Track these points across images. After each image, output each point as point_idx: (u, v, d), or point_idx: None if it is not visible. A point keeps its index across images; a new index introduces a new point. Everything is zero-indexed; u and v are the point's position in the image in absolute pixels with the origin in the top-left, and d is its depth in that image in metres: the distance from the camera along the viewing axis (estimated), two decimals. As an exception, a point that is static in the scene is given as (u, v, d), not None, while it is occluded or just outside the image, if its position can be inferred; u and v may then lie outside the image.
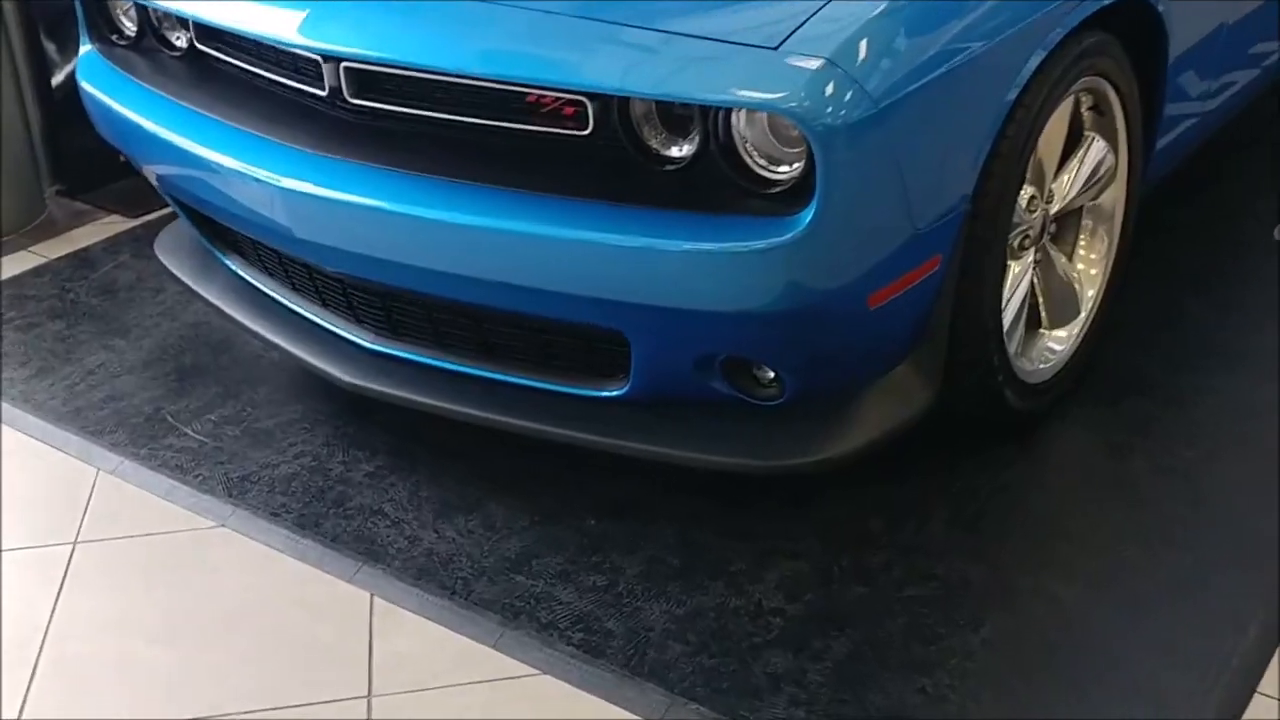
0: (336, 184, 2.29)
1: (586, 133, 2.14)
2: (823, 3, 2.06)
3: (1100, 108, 2.59)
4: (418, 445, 2.69)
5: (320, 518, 2.51)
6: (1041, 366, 2.64)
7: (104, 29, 2.85)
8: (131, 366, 3.02)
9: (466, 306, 2.36)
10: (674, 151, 2.13)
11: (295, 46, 2.33)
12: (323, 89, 2.35)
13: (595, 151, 2.16)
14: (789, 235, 1.99)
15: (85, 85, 2.82)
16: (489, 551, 2.40)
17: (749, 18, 2.10)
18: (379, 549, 2.42)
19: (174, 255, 3.01)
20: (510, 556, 2.39)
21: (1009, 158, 2.28)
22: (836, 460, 2.27)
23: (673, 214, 2.07)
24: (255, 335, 2.72)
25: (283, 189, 2.33)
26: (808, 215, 1.98)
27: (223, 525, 2.52)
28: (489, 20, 2.22)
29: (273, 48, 2.43)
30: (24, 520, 2.56)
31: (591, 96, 2.10)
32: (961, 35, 2.13)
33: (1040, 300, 2.63)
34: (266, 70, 2.50)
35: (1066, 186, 2.57)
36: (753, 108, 2.01)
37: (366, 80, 2.30)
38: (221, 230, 2.80)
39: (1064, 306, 2.69)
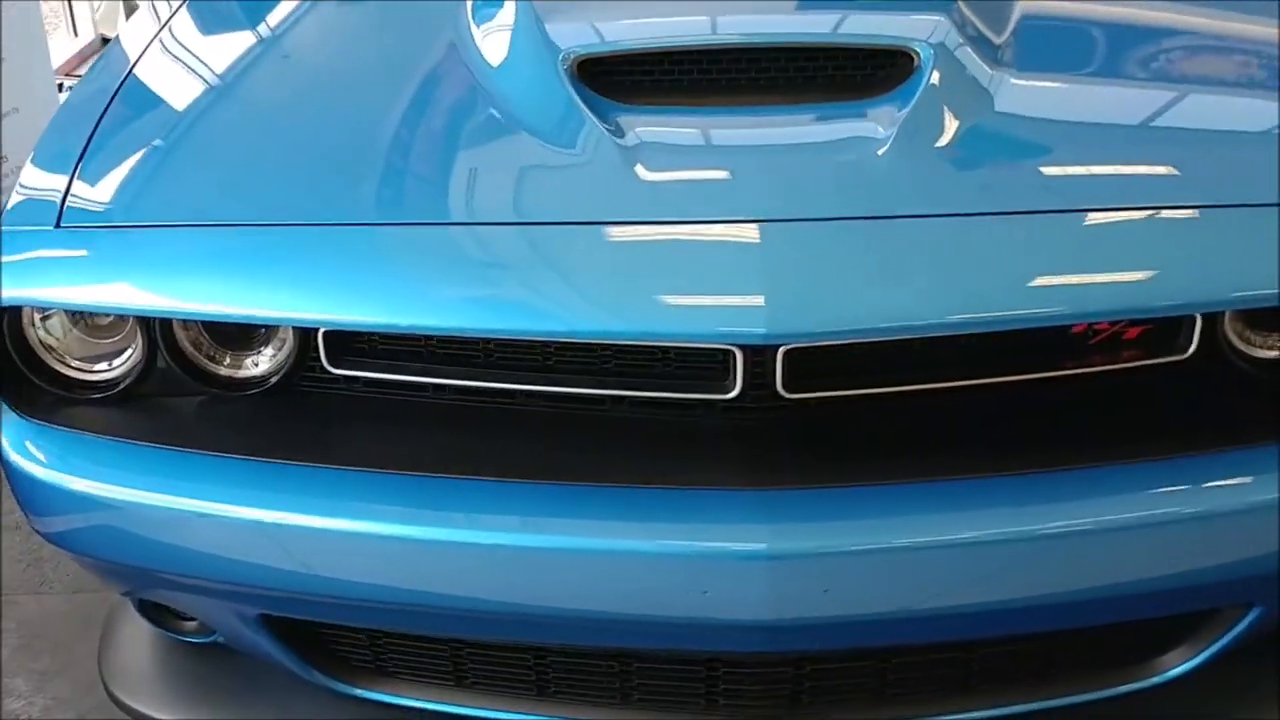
0: (844, 529, 1.48)
1: (1187, 355, 1.56)
2: None
3: None
4: None
5: None
6: None
7: (34, 387, 1.64)
8: None
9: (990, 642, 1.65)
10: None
11: (694, 337, 1.46)
12: (728, 390, 1.50)
13: (1179, 379, 1.58)
14: None
15: (61, 479, 1.61)
16: None
17: None
18: None
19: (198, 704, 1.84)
20: None
21: None
22: None
23: None
24: None
25: (767, 557, 1.45)
26: None
27: None
28: (1018, 238, 1.52)
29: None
30: None
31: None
32: None
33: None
34: (530, 382, 1.56)
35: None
36: None
37: (815, 365, 1.49)
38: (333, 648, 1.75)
39: None
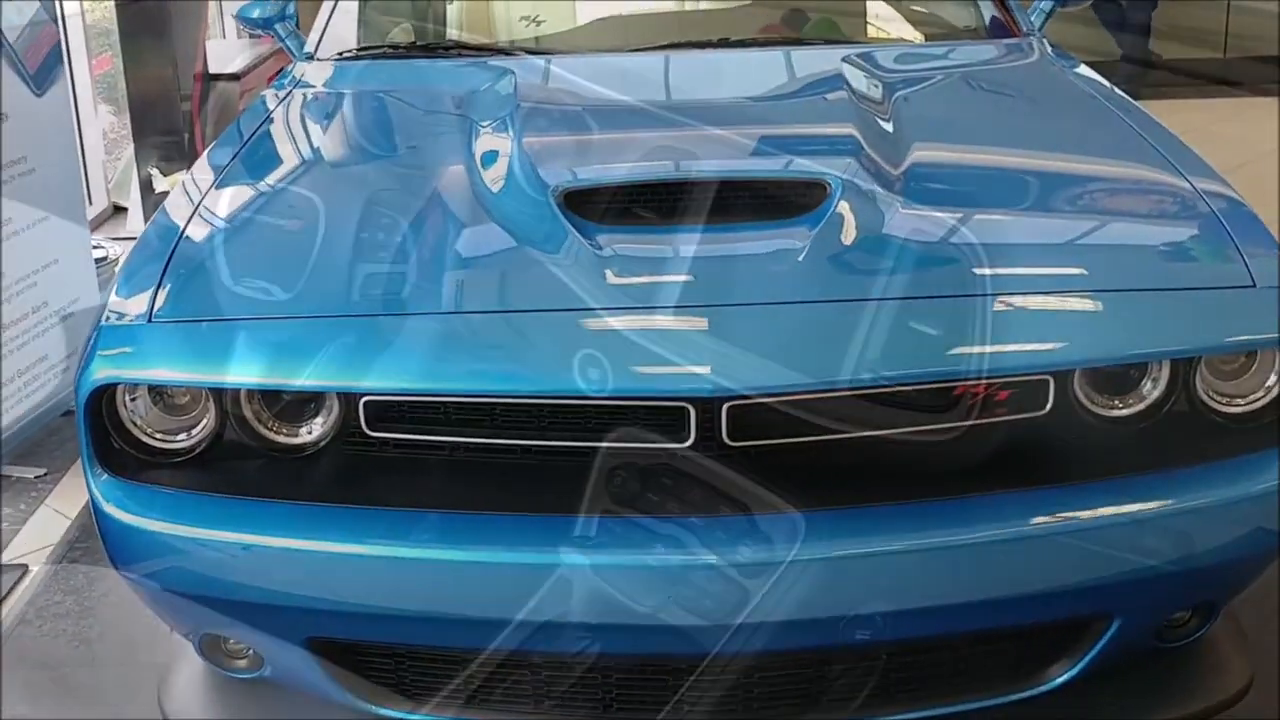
0: (780, 546, 1.88)
1: (1044, 412, 1.98)
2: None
3: None
4: None
5: None
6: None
7: (124, 454, 2.05)
8: None
9: (894, 643, 2.03)
10: (1119, 412, 2.03)
11: (659, 394, 1.88)
12: (684, 440, 1.91)
13: (1040, 431, 2.00)
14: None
15: (145, 524, 2.00)
16: None
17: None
18: None
19: None
20: None
21: None
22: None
23: (1179, 472, 1.98)
24: None
25: (714, 568, 1.85)
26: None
27: None
28: (917, 319, 1.96)
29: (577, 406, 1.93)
30: None
31: (1058, 373, 1.96)
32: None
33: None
34: (530, 437, 1.97)
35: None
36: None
37: (751, 418, 1.91)
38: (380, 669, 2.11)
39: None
